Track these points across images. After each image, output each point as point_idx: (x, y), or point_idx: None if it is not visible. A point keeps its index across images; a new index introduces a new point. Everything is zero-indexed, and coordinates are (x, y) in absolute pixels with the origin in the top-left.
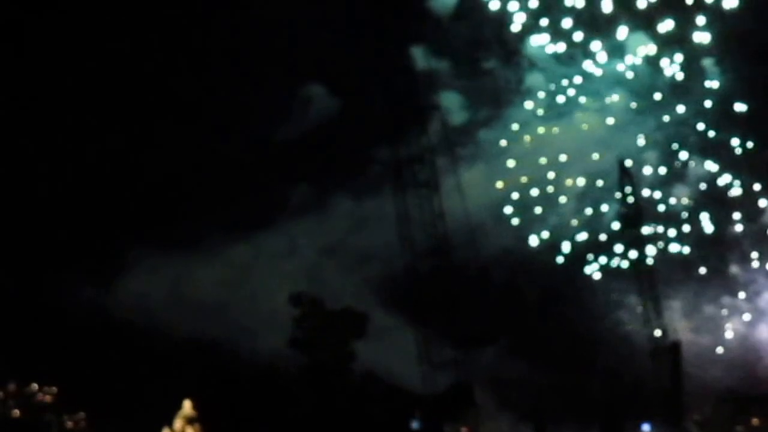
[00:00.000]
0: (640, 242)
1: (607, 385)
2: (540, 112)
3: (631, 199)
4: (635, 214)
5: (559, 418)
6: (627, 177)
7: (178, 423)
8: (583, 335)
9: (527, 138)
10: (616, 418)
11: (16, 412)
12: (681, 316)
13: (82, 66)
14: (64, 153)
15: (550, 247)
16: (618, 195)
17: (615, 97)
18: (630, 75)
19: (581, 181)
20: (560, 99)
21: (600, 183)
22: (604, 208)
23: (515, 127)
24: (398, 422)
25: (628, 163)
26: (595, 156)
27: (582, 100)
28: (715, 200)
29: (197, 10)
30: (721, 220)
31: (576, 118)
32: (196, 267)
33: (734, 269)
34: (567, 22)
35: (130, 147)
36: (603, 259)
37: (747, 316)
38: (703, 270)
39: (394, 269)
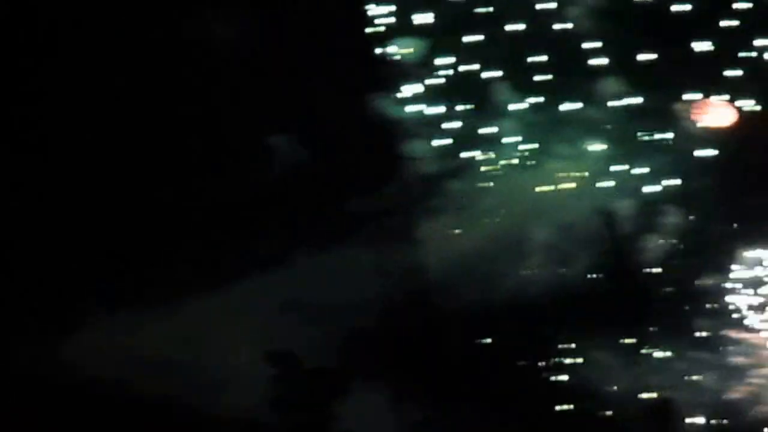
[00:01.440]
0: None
1: None
2: (512, 160)
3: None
4: (626, 268)
5: None
6: (613, 228)
7: None
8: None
9: (497, 187)
10: None
11: None
12: None
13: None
14: (11, 205)
15: (513, 302)
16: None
17: (590, 145)
18: (606, 122)
19: (550, 233)
20: (532, 147)
21: (571, 234)
22: (575, 260)
23: (485, 176)
24: None
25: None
26: (567, 206)
27: (556, 148)
28: (688, 251)
29: (158, 54)
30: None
31: (548, 167)
32: (151, 323)
33: (700, 322)
34: (540, 68)
35: (82, 198)
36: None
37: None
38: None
39: (361, 324)
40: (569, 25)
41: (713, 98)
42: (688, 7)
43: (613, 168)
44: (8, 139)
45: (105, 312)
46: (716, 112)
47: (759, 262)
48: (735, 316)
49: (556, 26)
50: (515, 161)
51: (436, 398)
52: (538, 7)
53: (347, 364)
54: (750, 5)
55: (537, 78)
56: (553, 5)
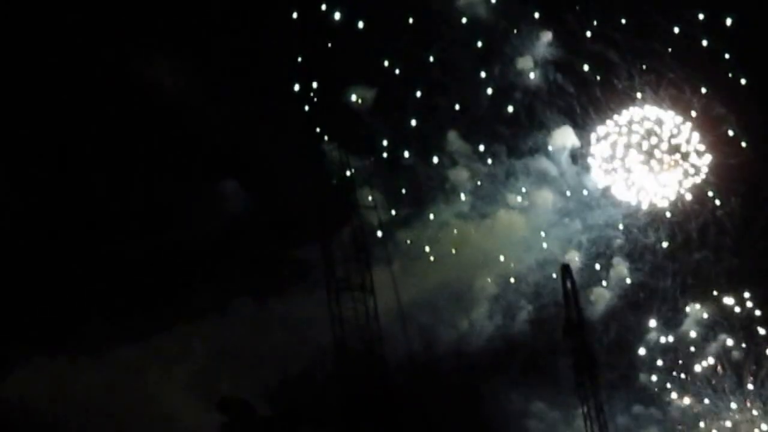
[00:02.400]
0: (582, 351)
1: None
2: (462, 210)
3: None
4: (578, 322)
5: None
6: (571, 282)
7: None
8: None
9: (446, 237)
10: None
11: None
12: None
13: None
14: None
15: (456, 352)
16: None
17: (541, 196)
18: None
19: (495, 284)
20: (483, 197)
21: (518, 286)
22: (521, 312)
23: (435, 226)
24: None
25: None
26: (516, 257)
27: (507, 198)
28: (633, 305)
29: (107, 99)
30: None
31: (499, 217)
32: (85, 369)
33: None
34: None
35: (21, 243)
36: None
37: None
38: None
39: (295, 372)
40: (522, 78)
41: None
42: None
43: (563, 220)
44: None
45: (43, 355)
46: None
47: (701, 317)
48: (676, 370)
49: (510, 79)
50: (466, 211)
51: None
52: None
53: (294, 410)
54: None
55: (490, 129)
56: (507, 58)
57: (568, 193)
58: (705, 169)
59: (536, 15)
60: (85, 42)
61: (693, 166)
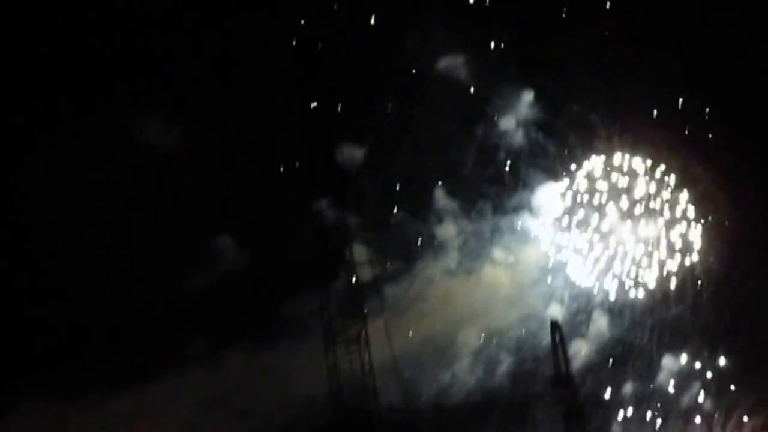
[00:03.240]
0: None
1: None
2: (449, 265)
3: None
4: (567, 375)
5: None
6: (560, 336)
7: None
8: None
9: (432, 293)
10: None
11: None
12: None
13: None
14: None
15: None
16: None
17: (525, 253)
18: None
19: (478, 339)
20: (469, 253)
21: (500, 340)
22: (501, 366)
23: (422, 281)
24: None
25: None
26: (500, 312)
27: (492, 254)
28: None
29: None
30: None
31: (484, 273)
32: (75, 415)
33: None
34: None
35: (17, 289)
36: None
37: None
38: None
39: (284, 423)
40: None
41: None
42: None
43: (545, 276)
44: None
45: (34, 402)
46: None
47: (675, 370)
48: (650, 419)
49: (493, 140)
50: (452, 267)
51: None
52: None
53: None
54: None
55: (475, 187)
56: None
57: (551, 251)
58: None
59: (516, 76)
60: (74, 96)
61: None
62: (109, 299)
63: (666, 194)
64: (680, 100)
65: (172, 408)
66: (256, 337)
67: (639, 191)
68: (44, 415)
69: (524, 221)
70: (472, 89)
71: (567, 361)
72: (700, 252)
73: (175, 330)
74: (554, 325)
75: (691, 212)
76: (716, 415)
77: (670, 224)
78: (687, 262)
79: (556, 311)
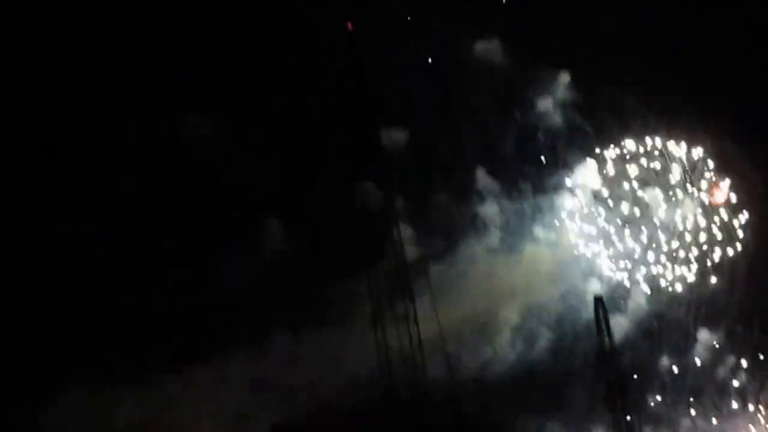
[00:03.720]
0: (619, 379)
1: None
2: (492, 244)
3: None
4: (611, 350)
5: None
6: (603, 312)
7: None
8: None
9: (475, 271)
10: None
11: None
12: None
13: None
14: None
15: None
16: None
17: (566, 230)
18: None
19: (519, 315)
20: (511, 232)
21: (540, 316)
22: (541, 341)
23: (465, 260)
24: None
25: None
26: (541, 289)
27: (533, 233)
28: (648, 332)
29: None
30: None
31: (526, 251)
32: (124, 399)
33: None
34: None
35: (68, 280)
36: None
37: None
38: None
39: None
40: (544, 119)
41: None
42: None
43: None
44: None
45: (83, 385)
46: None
47: (711, 344)
48: (685, 393)
49: (531, 120)
50: (494, 246)
51: None
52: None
53: None
54: None
55: (515, 168)
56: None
57: (592, 229)
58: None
59: (553, 58)
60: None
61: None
62: (161, 284)
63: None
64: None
65: (220, 389)
66: (304, 318)
67: (675, 175)
68: (95, 399)
69: (564, 199)
70: (509, 72)
71: (611, 336)
72: (742, 242)
73: (224, 312)
74: (598, 301)
75: (734, 198)
76: (750, 389)
77: (711, 211)
78: (730, 252)
79: (596, 288)
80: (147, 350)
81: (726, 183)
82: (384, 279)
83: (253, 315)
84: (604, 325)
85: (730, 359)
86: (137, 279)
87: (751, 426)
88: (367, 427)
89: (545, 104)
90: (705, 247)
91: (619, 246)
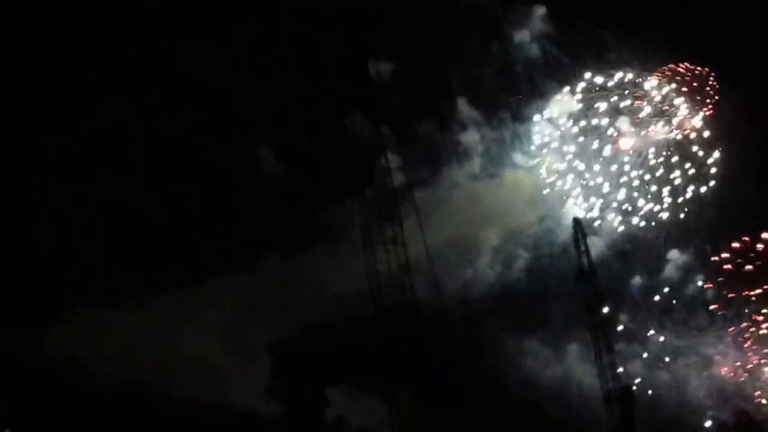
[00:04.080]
0: (596, 297)
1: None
2: (474, 170)
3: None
4: (590, 270)
5: None
6: (581, 234)
7: None
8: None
9: (458, 196)
10: None
11: None
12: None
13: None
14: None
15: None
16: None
17: (544, 157)
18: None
19: (498, 238)
20: (492, 159)
21: (519, 238)
22: (518, 262)
23: (448, 185)
24: None
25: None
26: (521, 212)
27: (513, 159)
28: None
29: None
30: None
31: (506, 176)
32: (123, 319)
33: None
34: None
35: (69, 205)
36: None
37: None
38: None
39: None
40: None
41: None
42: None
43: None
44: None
45: (84, 306)
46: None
47: (680, 264)
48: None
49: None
50: (476, 172)
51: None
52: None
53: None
54: None
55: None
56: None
57: (569, 154)
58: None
59: None
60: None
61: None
62: (158, 212)
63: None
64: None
65: (214, 308)
66: (296, 242)
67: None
68: (95, 319)
69: (542, 127)
70: (488, 6)
71: (589, 256)
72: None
73: (219, 237)
74: (576, 222)
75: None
76: (718, 306)
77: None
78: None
79: (574, 211)
80: (145, 274)
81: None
82: (373, 204)
83: (247, 239)
84: (582, 246)
85: (699, 277)
86: (135, 207)
87: (718, 340)
88: (358, 342)
89: (522, 36)
90: (677, 182)
91: (590, 178)
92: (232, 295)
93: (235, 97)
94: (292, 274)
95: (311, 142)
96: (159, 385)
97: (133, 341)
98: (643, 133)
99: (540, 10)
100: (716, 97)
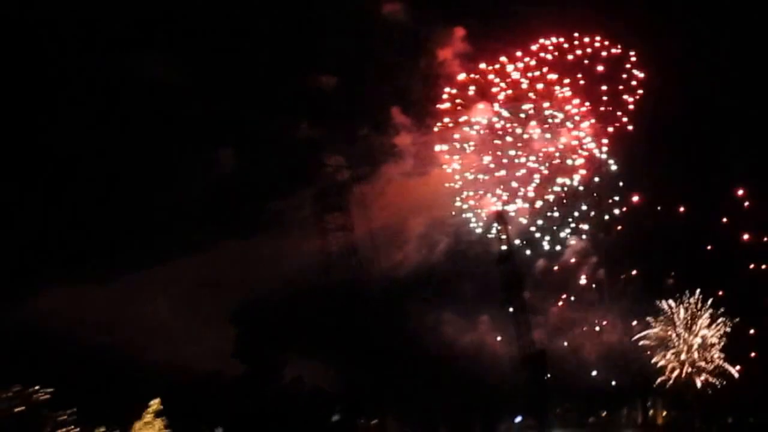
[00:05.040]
0: (515, 276)
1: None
2: (406, 169)
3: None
4: (509, 254)
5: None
6: (503, 223)
7: (148, 415)
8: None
9: (391, 190)
10: (493, 412)
11: (21, 408)
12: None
13: None
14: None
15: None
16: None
17: (467, 155)
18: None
19: (424, 226)
20: (422, 158)
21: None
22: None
23: (383, 182)
24: (322, 416)
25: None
26: (444, 205)
27: (440, 159)
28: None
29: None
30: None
31: (434, 174)
32: (95, 293)
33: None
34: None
35: (54, 193)
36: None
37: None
38: None
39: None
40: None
41: None
42: None
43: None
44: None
45: (59, 282)
46: None
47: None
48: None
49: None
50: (408, 169)
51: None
52: None
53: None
54: None
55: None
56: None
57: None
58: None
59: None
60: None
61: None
62: (127, 199)
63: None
64: None
65: (179, 284)
66: (248, 230)
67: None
68: (70, 293)
69: (463, 132)
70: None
71: (510, 242)
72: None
73: (180, 224)
74: (499, 216)
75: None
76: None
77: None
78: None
79: (490, 204)
80: (115, 252)
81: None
82: (321, 196)
83: (205, 227)
84: (504, 235)
85: (592, 260)
86: (112, 197)
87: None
88: (309, 312)
89: (445, 54)
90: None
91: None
92: (195, 272)
93: (199, 103)
94: (247, 255)
95: (266, 144)
96: (131, 349)
97: (107, 312)
98: (548, 136)
99: (460, 31)
100: None
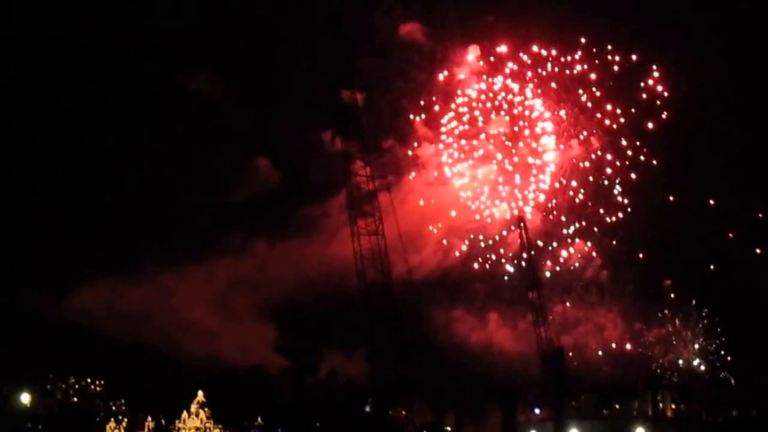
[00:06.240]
0: (535, 278)
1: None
2: (429, 179)
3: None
4: (529, 256)
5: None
6: (524, 228)
7: (193, 407)
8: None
9: (413, 198)
10: (514, 404)
11: (75, 399)
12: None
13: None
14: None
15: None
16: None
17: (485, 170)
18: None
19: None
20: (444, 170)
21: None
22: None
23: (407, 190)
24: (355, 406)
25: None
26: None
27: (461, 170)
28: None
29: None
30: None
31: (453, 183)
32: (132, 289)
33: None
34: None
35: (99, 196)
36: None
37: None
38: None
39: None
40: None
41: None
42: None
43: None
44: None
45: (101, 275)
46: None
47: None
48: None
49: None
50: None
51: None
52: None
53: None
54: None
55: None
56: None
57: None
58: None
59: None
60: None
61: None
62: (170, 202)
63: None
64: None
65: (206, 284)
66: (279, 234)
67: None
68: (108, 288)
69: (482, 144)
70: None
71: (531, 247)
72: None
73: (215, 226)
74: (520, 220)
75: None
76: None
77: None
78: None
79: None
80: (150, 251)
81: None
82: (353, 204)
83: (241, 230)
84: (525, 240)
85: (596, 262)
86: (155, 197)
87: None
88: (340, 311)
89: (465, 70)
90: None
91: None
92: (229, 272)
93: (240, 117)
94: (283, 257)
95: (300, 155)
96: (172, 343)
97: (145, 307)
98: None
99: (475, 50)
100: None
